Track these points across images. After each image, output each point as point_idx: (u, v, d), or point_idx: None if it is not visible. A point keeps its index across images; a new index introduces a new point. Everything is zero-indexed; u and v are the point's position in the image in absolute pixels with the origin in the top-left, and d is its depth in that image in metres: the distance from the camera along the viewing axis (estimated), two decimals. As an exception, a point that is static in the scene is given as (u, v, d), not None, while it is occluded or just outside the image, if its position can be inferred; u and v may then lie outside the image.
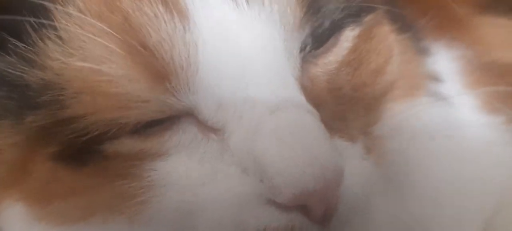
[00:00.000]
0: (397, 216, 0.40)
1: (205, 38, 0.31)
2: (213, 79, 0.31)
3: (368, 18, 0.37)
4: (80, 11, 0.31)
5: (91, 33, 0.31)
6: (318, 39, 0.34)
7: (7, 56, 0.33)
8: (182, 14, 0.31)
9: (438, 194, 0.42)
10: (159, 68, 0.30)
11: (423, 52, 0.46)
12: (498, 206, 0.44)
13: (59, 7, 0.31)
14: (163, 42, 0.30)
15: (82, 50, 0.31)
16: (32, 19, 0.32)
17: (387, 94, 0.38)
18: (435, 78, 0.45)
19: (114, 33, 0.30)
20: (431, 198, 0.41)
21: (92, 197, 0.33)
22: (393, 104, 0.39)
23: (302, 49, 0.33)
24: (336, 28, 0.35)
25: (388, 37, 0.39)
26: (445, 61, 0.49)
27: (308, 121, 0.31)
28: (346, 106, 0.35)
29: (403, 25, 0.43)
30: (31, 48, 0.32)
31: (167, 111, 0.32)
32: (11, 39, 0.32)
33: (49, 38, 0.32)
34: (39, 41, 0.32)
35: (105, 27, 0.30)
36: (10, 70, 0.33)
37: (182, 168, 0.32)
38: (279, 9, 0.32)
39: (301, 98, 0.32)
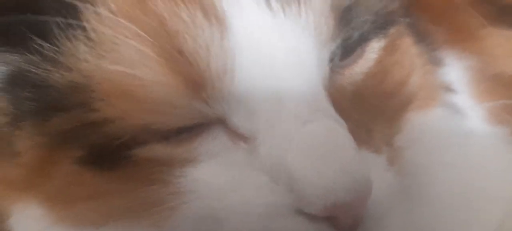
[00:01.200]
0: (412, 225, 0.40)
1: (242, 46, 0.30)
2: (248, 88, 0.30)
3: (393, 30, 0.37)
4: (112, 12, 0.30)
5: (124, 36, 0.30)
6: (346, 50, 0.34)
7: (29, 55, 0.32)
8: (220, 21, 0.30)
9: (451, 203, 0.42)
10: (194, 75, 0.30)
11: (437, 62, 0.46)
12: (505, 215, 0.45)
13: (89, 6, 0.31)
14: (200, 49, 0.30)
15: (115, 52, 0.30)
16: (59, 19, 0.31)
17: (409, 105, 0.38)
18: (449, 88, 0.45)
19: (149, 37, 0.29)
20: (444, 208, 0.41)
21: (118, 201, 0.33)
22: (413, 115, 0.39)
23: (331, 60, 0.33)
24: (363, 40, 0.35)
25: (410, 49, 0.39)
26: (457, 71, 0.49)
27: (339, 132, 0.31)
28: (370, 118, 0.35)
29: (418, 35, 0.44)
30: (56, 48, 0.31)
31: (199, 118, 0.31)
32: (35, 38, 0.31)
33: (77, 38, 0.31)
34: (66, 41, 0.31)
35: (139, 30, 0.30)
36: (32, 70, 0.32)
37: (211, 175, 0.32)
38: (315, 19, 0.31)
39: (331, 109, 0.32)
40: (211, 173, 0.32)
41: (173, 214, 0.32)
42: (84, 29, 0.31)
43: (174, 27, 0.30)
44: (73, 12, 0.31)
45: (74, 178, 0.33)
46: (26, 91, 0.32)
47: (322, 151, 0.30)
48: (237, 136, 0.32)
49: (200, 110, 0.31)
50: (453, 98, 0.45)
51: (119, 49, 0.30)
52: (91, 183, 0.33)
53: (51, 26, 0.31)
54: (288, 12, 0.31)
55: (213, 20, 0.30)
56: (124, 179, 0.32)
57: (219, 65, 0.30)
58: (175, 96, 0.30)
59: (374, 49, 0.36)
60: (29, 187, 0.35)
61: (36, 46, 0.32)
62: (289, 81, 0.31)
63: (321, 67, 0.32)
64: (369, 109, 0.35)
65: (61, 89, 0.31)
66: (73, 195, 0.34)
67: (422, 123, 0.40)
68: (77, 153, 0.32)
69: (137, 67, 0.30)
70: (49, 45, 0.31)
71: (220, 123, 0.32)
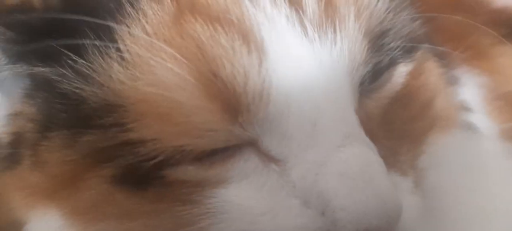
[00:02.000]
0: None
1: (278, 72, 0.30)
2: (282, 112, 0.30)
3: (418, 54, 0.37)
4: (147, 33, 0.30)
5: (161, 58, 0.30)
6: (376, 75, 0.34)
7: (60, 69, 0.32)
8: (258, 47, 0.30)
9: (471, 226, 0.42)
10: (231, 99, 0.30)
11: (454, 82, 0.46)
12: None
13: (124, 27, 0.31)
14: (238, 74, 0.30)
15: (150, 74, 0.30)
16: (95, 42, 0.31)
17: (433, 128, 0.39)
18: (466, 108, 0.45)
19: (185, 61, 0.29)
20: (462, 229, 0.42)
21: (148, 221, 0.33)
22: (435, 136, 0.40)
23: (361, 84, 0.33)
24: (392, 64, 0.35)
25: (435, 72, 0.39)
26: (472, 90, 0.49)
27: (371, 157, 0.31)
28: (397, 141, 0.35)
29: (437, 56, 0.44)
30: (89, 64, 0.31)
31: (233, 141, 0.31)
32: (71, 54, 0.31)
33: (111, 57, 0.31)
34: (100, 59, 0.31)
35: (176, 53, 0.29)
36: (64, 82, 0.32)
37: (242, 197, 0.32)
38: (349, 46, 0.32)
39: (363, 134, 0.32)
40: (242, 195, 0.32)
41: None
42: (118, 49, 0.31)
43: (212, 52, 0.30)
44: (108, 33, 0.31)
45: (104, 197, 0.33)
46: (57, 102, 0.32)
47: (355, 176, 0.30)
48: (268, 158, 0.32)
49: (236, 134, 0.31)
50: (469, 117, 0.45)
51: (154, 71, 0.30)
52: (121, 203, 0.33)
53: (85, 43, 0.31)
54: (324, 40, 0.31)
55: (252, 47, 0.30)
56: (156, 199, 0.32)
57: (256, 90, 0.30)
58: (210, 120, 0.30)
59: (401, 73, 0.36)
60: (53, 197, 0.34)
61: (70, 61, 0.32)
62: (323, 106, 0.31)
63: (353, 92, 0.32)
64: (395, 133, 0.35)
65: (94, 106, 0.31)
66: (103, 212, 0.33)
67: (444, 144, 0.40)
68: (109, 172, 0.32)
69: (173, 90, 0.30)
70: (83, 61, 0.31)
71: (252, 145, 0.32)
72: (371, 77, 0.34)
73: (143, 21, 0.31)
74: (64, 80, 0.32)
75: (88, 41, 0.31)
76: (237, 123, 0.31)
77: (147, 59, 0.30)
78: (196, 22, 0.30)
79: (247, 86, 0.30)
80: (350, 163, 0.30)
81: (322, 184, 0.30)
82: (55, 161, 0.33)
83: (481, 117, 0.48)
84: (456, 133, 0.43)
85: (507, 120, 0.50)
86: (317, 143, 0.31)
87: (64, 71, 0.32)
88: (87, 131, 0.32)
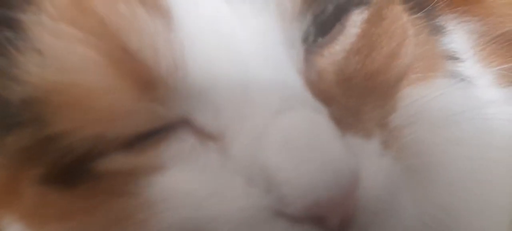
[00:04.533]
0: (423, 210, 0.35)
1: (193, 37, 0.26)
2: (206, 82, 0.26)
3: None
4: (53, 18, 0.27)
5: (66, 41, 0.26)
6: (322, 27, 0.29)
7: None
8: (163, 12, 0.26)
9: (465, 180, 0.37)
10: (143, 75, 0.26)
11: (438, 31, 0.41)
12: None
13: (31, 16, 0.27)
14: (145, 45, 0.26)
15: (58, 61, 0.27)
16: (7, 35, 0.28)
17: (403, 80, 0.34)
18: (453, 57, 0.40)
19: (90, 40, 0.26)
20: (457, 185, 0.37)
21: (87, 219, 0.29)
22: (409, 89, 0.34)
23: (305, 40, 0.29)
24: (341, 13, 0.30)
25: (400, 18, 0.34)
26: (460, 38, 0.44)
27: (316, 120, 0.26)
28: (358, 99, 0.30)
29: (416, 3, 0.39)
30: (7, 61, 0.28)
31: (158, 121, 0.27)
32: None
33: (25, 50, 0.27)
34: (16, 53, 0.28)
35: (80, 34, 0.26)
36: None
37: (182, 181, 0.28)
38: None
39: (307, 95, 0.27)
40: (181, 179, 0.28)
41: (147, 227, 0.28)
42: (30, 39, 0.27)
43: (115, 25, 0.26)
44: (18, 24, 0.28)
45: (39, 199, 0.30)
46: None
47: (297, 143, 0.26)
48: (205, 135, 0.28)
49: (158, 113, 0.27)
50: (458, 67, 0.40)
51: (62, 56, 0.27)
52: (57, 203, 0.29)
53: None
54: None
55: (156, 11, 0.26)
56: (90, 195, 0.29)
57: (168, 61, 0.26)
58: (126, 100, 0.26)
59: (355, 22, 0.31)
60: (5, 205, 0.32)
61: None
62: (253, 69, 0.27)
63: (292, 50, 0.28)
64: (356, 90, 0.30)
65: (16, 105, 0.28)
66: (43, 216, 0.30)
67: (422, 96, 0.35)
68: (38, 172, 0.29)
69: (81, 74, 0.26)
70: None
71: (186, 123, 0.28)
72: (317, 30, 0.29)
73: (48, 6, 0.27)
74: None
75: (2, 37, 0.28)
76: (156, 100, 0.27)
77: (54, 46, 0.27)
78: None
79: (158, 57, 0.26)
80: (291, 130, 0.26)
81: (263, 157, 0.26)
82: None
83: (472, 65, 0.43)
84: (439, 83, 0.38)
85: (503, 63, 0.45)
86: (252, 112, 0.26)
87: None
88: (10, 131, 0.28)
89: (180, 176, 0.28)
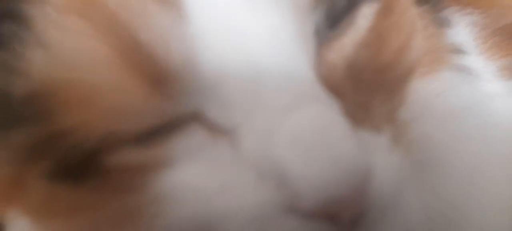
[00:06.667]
0: (429, 205, 0.35)
1: (205, 31, 0.25)
2: (218, 76, 0.25)
3: None
4: (59, 11, 0.26)
5: (73, 35, 0.25)
6: (333, 20, 0.28)
7: None
8: (175, 5, 0.25)
9: (472, 175, 0.37)
10: (154, 69, 0.25)
11: (443, 23, 0.40)
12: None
13: (36, 8, 0.26)
14: (157, 39, 0.25)
15: (65, 55, 0.25)
16: (13, 29, 0.27)
17: (411, 74, 0.33)
18: (458, 50, 0.40)
19: (99, 34, 0.25)
20: (464, 180, 0.36)
21: (95, 215, 0.28)
22: (416, 83, 0.34)
23: (316, 33, 0.28)
24: (352, 6, 0.29)
25: (409, 10, 0.33)
26: (464, 30, 0.44)
27: (329, 116, 0.26)
28: (368, 93, 0.30)
29: None
30: (11, 55, 0.27)
31: (169, 116, 0.26)
32: None
33: (30, 43, 0.26)
34: (20, 47, 0.27)
35: (88, 27, 0.25)
36: None
37: (192, 176, 0.27)
38: None
39: (319, 90, 0.26)
40: (191, 174, 0.27)
41: (157, 223, 0.28)
42: (34, 33, 0.26)
43: (125, 18, 0.25)
44: (21, 16, 0.27)
45: (47, 194, 0.29)
46: None
47: (310, 139, 0.25)
48: (215, 130, 0.27)
49: (167, 107, 0.26)
50: (464, 60, 0.39)
51: (68, 51, 0.25)
52: (65, 199, 0.29)
53: (2, 32, 0.27)
54: None
55: (167, 5, 0.25)
56: (99, 190, 0.28)
57: (180, 55, 0.25)
58: (135, 95, 0.25)
59: (365, 15, 0.30)
60: (11, 200, 0.31)
61: None
62: (266, 63, 0.26)
63: (304, 44, 0.27)
64: (366, 84, 0.30)
65: (20, 100, 0.27)
66: (50, 211, 0.30)
67: (429, 90, 0.35)
68: (45, 167, 0.28)
69: (89, 69, 0.25)
70: (4, 52, 0.27)
71: (197, 118, 0.27)
72: (328, 23, 0.28)
73: None
74: None
75: (6, 30, 0.27)
76: (167, 95, 0.26)
77: (61, 40, 0.26)
78: None
79: (169, 51, 0.25)
80: (304, 126, 0.25)
81: (275, 153, 0.25)
82: None
83: (475, 58, 0.42)
84: (445, 77, 0.37)
85: (506, 55, 0.44)
86: (264, 107, 0.26)
87: None
88: (15, 126, 0.27)
89: (190, 171, 0.27)
